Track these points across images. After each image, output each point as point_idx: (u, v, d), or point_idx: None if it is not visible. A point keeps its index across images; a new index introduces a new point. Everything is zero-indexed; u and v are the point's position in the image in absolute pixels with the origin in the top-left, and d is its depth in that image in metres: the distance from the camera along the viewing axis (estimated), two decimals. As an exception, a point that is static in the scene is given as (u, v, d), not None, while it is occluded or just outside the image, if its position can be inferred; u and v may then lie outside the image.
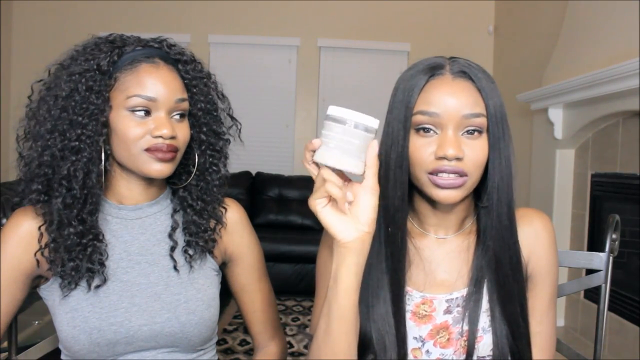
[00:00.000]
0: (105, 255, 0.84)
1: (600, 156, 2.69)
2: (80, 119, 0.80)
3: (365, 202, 0.65)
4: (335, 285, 0.67)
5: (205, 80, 0.91)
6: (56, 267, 0.80)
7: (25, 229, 0.82)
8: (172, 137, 0.82)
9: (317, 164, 0.66)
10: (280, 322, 1.04)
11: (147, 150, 0.81)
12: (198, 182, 0.91)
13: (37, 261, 0.81)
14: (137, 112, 0.81)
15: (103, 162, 0.82)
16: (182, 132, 0.85)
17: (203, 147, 0.91)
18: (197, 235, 0.89)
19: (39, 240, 0.81)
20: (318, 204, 0.64)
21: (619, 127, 2.52)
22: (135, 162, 0.82)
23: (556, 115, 2.94)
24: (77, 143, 0.80)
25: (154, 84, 0.81)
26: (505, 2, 4.16)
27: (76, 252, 0.80)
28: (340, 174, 0.66)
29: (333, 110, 0.63)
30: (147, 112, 0.81)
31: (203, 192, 0.91)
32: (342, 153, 0.62)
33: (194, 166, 0.91)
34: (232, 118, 0.97)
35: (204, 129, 0.91)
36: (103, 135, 0.81)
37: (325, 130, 0.63)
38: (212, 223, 0.92)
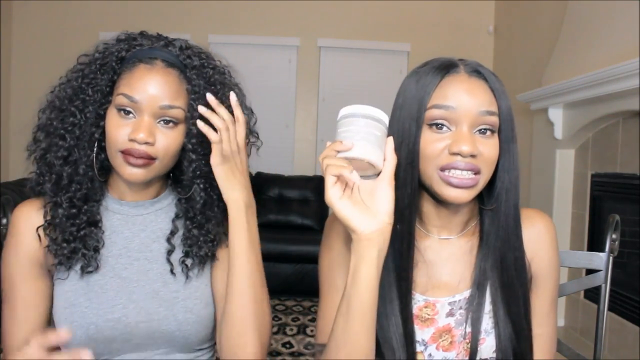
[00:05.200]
0: (102, 243, 0.84)
1: (600, 156, 2.68)
2: (72, 108, 0.82)
3: (383, 194, 0.66)
4: (355, 282, 0.66)
5: (213, 88, 0.85)
6: (54, 245, 0.81)
7: (31, 216, 0.83)
8: (148, 143, 0.79)
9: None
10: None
11: (122, 152, 0.80)
12: (201, 196, 0.87)
13: (39, 236, 0.82)
14: (122, 112, 0.80)
15: (94, 153, 0.83)
16: (166, 140, 0.81)
17: (194, 157, 0.84)
18: (197, 247, 0.87)
19: (45, 216, 0.83)
20: (333, 196, 0.64)
21: (619, 127, 2.52)
22: (113, 162, 0.82)
23: (556, 115, 2.94)
24: (62, 131, 0.82)
25: (142, 86, 0.79)
26: (505, 2, 4.16)
27: (69, 233, 0.81)
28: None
29: (350, 108, 0.66)
30: (132, 114, 0.80)
31: (207, 207, 0.87)
32: (367, 144, 0.64)
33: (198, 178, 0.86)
34: (251, 132, 0.90)
35: (195, 139, 0.84)
36: (99, 128, 0.82)
37: (345, 127, 0.66)
38: (214, 234, 0.89)
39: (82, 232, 0.82)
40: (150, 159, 0.80)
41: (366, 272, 0.65)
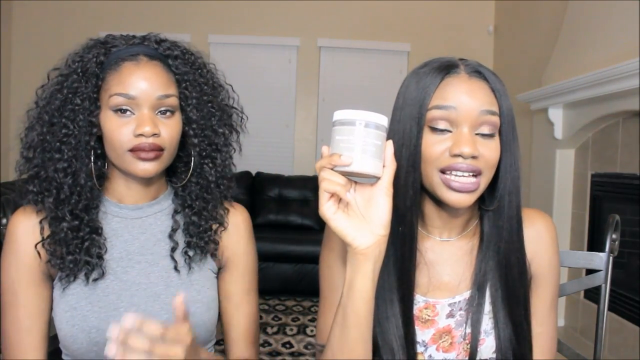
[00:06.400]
0: (104, 249, 0.84)
1: (600, 156, 2.69)
2: (64, 120, 0.81)
3: (381, 202, 0.63)
4: (350, 294, 0.65)
5: (200, 71, 0.89)
6: (55, 259, 0.81)
7: (29, 225, 0.83)
8: (155, 135, 0.80)
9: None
10: (258, 346, 0.98)
11: (131, 150, 0.80)
12: (198, 180, 0.90)
13: (38, 253, 0.82)
14: (119, 112, 0.80)
15: (92, 161, 0.82)
16: (169, 129, 0.82)
17: (196, 142, 0.88)
18: (198, 236, 0.88)
19: (41, 232, 0.82)
20: (327, 210, 0.63)
21: (619, 127, 2.52)
22: (122, 163, 0.82)
23: (556, 115, 2.94)
24: (58, 144, 0.81)
25: (135, 82, 0.80)
26: (505, 2, 4.16)
27: (73, 246, 0.81)
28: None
29: (348, 113, 0.61)
30: (130, 111, 0.80)
31: (203, 190, 0.89)
32: (367, 157, 0.61)
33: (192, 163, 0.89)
34: (232, 107, 0.94)
35: (197, 123, 0.88)
36: (93, 135, 0.82)
37: (342, 135, 0.61)
38: (214, 225, 0.91)
39: (86, 244, 0.82)
40: (160, 150, 0.81)
41: (361, 284, 0.65)
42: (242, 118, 0.96)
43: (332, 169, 0.62)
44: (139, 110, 0.80)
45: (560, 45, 2.99)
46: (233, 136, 0.94)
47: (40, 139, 0.82)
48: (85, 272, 0.81)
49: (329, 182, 0.61)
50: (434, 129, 0.72)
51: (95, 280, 0.82)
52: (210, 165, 0.90)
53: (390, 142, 0.65)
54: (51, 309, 0.85)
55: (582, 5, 2.79)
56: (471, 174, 0.70)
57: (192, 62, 0.89)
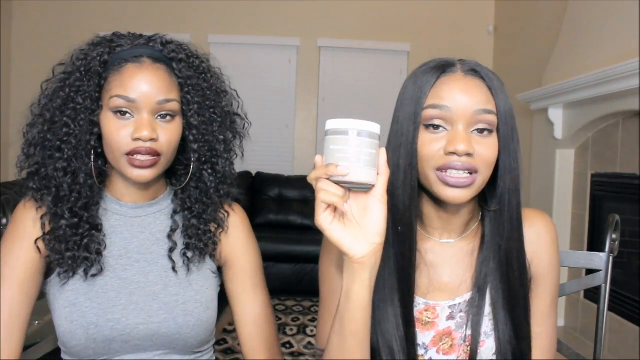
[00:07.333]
0: (103, 245, 0.84)
1: (600, 156, 2.68)
2: (65, 119, 0.81)
3: (376, 209, 0.63)
4: (348, 302, 0.65)
5: (203, 76, 0.88)
6: (54, 255, 0.81)
7: (30, 217, 0.83)
8: (153, 140, 0.79)
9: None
10: (278, 344, 0.96)
11: (128, 154, 0.79)
12: (197, 184, 0.89)
13: (38, 248, 0.82)
14: (119, 114, 0.80)
15: (92, 160, 0.82)
16: (167, 134, 0.82)
17: (196, 147, 0.87)
18: (197, 238, 0.88)
19: (42, 228, 0.82)
20: (323, 221, 0.62)
21: (619, 127, 2.52)
22: (118, 165, 0.82)
23: (556, 115, 2.94)
24: (59, 143, 0.81)
25: (136, 85, 0.79)
26: (505, 2, 4.16)
27: (72, 243, 0.81)
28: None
29: (342, 123, 0.61)
30: (130, 114, 0.80)
31: (203, 194, 0.89)
32: (362, 166, 0.60)
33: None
34: (235, 114, 0.94)
35: (198, 129, 0.87)
36: (94, 135, 0.81)
37: (336, 145, 0.61)
38: (213, 227, 0.91)
39: (85, 241, 0.82)
40: (157, 155, 0.81)
41: (358, 293, 0.65)
42: (245, 125, 0.95)
43: (327, 179, 0.61)
44: (138, 114, 0.80)
45: (560, 45, 2.99)
46: (236, 142, 0.93)
47: (41, 137, 0.82)
48: (84, 268, 0.82)
49: (326, 193, 0.60)
50: (430, 128, 0.72)
51: (93, 276, 0.82)
52: (210, 171, 0.89)
53: (384, 149, 0.64)
54: (34, 302, 0.84)
55: (582, 5, 2.79)
56: (467, 171, 0.70)
57: (197, 67, 0.88)
